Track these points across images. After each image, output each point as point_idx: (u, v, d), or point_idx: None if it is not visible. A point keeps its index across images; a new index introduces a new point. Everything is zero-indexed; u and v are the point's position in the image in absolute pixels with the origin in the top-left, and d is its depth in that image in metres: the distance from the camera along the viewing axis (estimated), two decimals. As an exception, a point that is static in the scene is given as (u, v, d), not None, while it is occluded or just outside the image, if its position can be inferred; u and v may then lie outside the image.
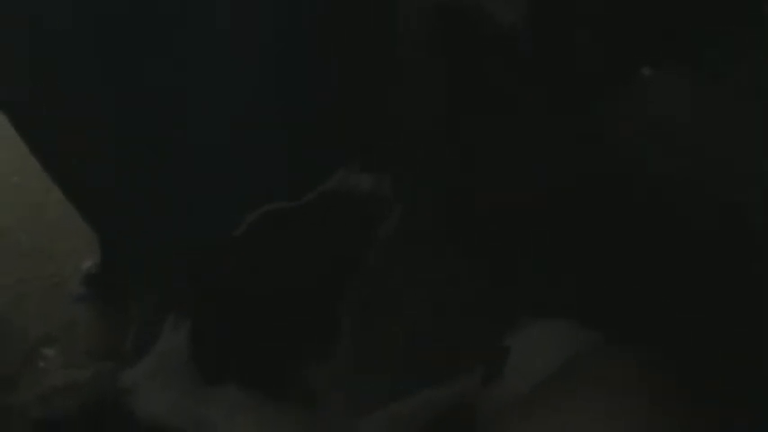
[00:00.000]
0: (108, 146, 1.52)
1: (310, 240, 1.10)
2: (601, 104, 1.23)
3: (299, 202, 1.13)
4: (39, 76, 1.46)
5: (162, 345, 1.07)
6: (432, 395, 1.40)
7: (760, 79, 1.14)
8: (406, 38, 1.58)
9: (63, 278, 1.86)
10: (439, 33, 1.56)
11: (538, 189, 1.43)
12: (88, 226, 1.72)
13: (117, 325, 1.71)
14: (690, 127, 1.13)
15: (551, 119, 1.33)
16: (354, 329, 1.11)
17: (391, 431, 1.36)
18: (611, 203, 1.23)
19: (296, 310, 1.06)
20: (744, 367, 1.09)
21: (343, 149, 1.19)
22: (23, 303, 1.78)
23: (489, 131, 1.53)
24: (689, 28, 1.20)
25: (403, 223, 1.17)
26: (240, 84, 1.47)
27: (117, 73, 1.44)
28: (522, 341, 1.33)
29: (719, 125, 1.12)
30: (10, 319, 1.68)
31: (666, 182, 1.15)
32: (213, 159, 1.53)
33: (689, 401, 1.07)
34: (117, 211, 1.63)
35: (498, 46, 1.41)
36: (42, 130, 1.53)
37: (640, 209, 1.19)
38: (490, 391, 1.30)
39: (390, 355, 1.55)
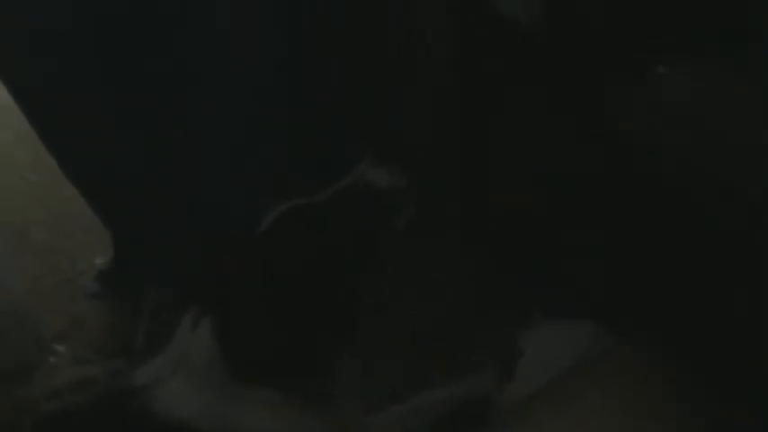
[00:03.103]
0: (120, 143, 1.53)
1: (329, 236, 1.11)
2: (616, 100, 1.23)
3: (317, 198, 1.13)
4: (50, 76, 1.47)
5: (180, 343, 1.07)
6: (443, 394, 1.40)
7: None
8: (418, 35, 1.58)
9: (76, 274, 1.87)
10: (451, 31, 1.56)
11: (550, 188, 1.43)
12: (101, 222, 1.73)
13: (128, 322, 1.72)
14: (708, 121, 1.13)
15: (564, 117, 1.33)
16: (370, 326, 1.12)
17: (402, 428, 1.37)
18: (627, 200, 1.23)
19: (315, 307, 1.06)
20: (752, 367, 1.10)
21: (347, 148, 1.20)
22: (36, 299, 1.78)
23: (503, 130, 1.53)
24: (708, 20, 1.19)
25: (417, 222, 1.18)
26: (241, 84, 1.48)
27: (121, 73, 1.45)
28: (535, 341, 1.34)
29: (740, 120, 1.12)
30: (22, 314, 1.68)
31: (682, 179, 1.14)
32: (220, 158, 1.54)
33: (701, 402, 1.08)
34: (130, 209, 1.64)
35: (511, 44, 1.41)
36: (57, 129, 1.55)
37: (655, 206, 1.19)
38: (502, 391, 1.31)
39: (404, 352, 1.55)
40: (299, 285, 1.04)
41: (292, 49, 1.47)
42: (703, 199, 1.14)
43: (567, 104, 1.35)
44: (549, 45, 1.36)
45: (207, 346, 1.04)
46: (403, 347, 1.55)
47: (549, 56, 1.36)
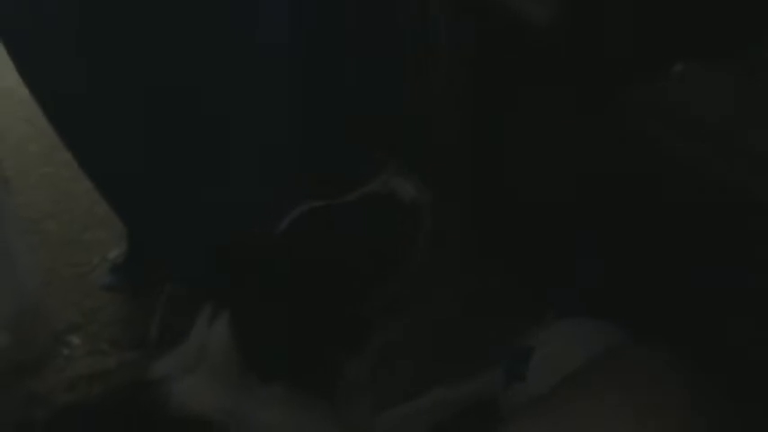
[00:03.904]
0: (137, 139, 1.54)
1: (349, 239, 1.11)
2: (633, 102, 1.22)
3: (340, 200, 1.14)
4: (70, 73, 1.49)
5: (198, 337, 1.08)
6: (453, 393, 1.41)
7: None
8: (435, 39, 1.59)
9: (90, 267, 1.88)
10: (469, 35, 1.56)
11: (564, 188, 1.43)
12: (116, 216, 1.75)
13: (141, 315, 1.73)
14: (727, 125, 1.13)
15: (580, 118, 1.33)
16: (383, 327, 1.13)
17: (411, 427, 1.38)
18: (640, 201, 1.23)
19: (328, 306, 1.07)
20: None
21: (362, 150, 1.20)
22: (50, 291, 1.80)
23: (518, 132, 1.53)
24: (728, 20, 1.19)
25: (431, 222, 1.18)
26: (261, 84, 1.49)
27: (131, 72, 1.47)
28: (546, 340, 1.34)
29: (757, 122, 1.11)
30: (37, 307, 1.70)
31: (697, 179, 1.14)
32: (240, 156, 1.55)
33: (712, 400, 1.09)
34: (146, 203, 1.65)
35: (528, 46, 1.41)
36: (75, 124, 1.56)
37: (671, 206, 1.18)
38: (513, 389, 1.32)
39: (413, 352, 1.56)
40: (315, 284, 1.05)
41: (311, 50, 1.48)
42: (708, 199, 1.14)
43: (580, 105, 1.35)
44: (562, 45, 1.36)
45: (223, 341, 1.04)
46: (413, 347, 1.55)
47: (563, 56, 1.36)
